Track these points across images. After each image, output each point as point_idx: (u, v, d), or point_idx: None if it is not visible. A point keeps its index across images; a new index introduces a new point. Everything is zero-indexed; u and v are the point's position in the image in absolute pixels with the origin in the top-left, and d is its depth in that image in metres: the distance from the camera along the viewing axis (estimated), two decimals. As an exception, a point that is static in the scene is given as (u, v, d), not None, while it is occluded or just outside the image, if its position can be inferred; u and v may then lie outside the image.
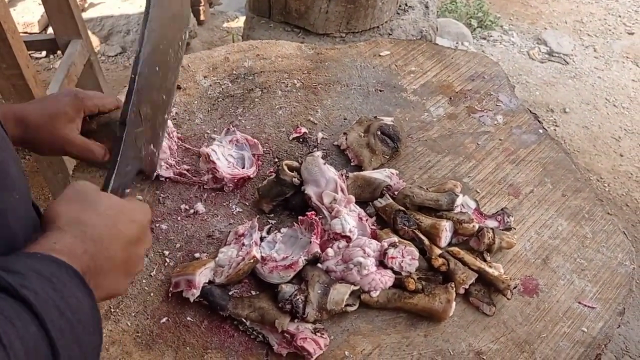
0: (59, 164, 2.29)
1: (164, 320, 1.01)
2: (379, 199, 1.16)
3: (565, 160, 1.35)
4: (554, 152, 1.36)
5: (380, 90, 1.49)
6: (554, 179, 1.30)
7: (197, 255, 1.11)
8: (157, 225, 1.16)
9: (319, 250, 1.05)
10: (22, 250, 0.61)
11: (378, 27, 2.35)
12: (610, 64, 3.86)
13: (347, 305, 1.00)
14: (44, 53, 3.58)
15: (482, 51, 3.87)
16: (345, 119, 1.41)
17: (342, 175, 1.19)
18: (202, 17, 3.90)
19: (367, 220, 1.13)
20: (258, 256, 1.03)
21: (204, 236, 1.15)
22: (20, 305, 0.52)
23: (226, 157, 1.24)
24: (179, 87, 1.45)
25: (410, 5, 2.49)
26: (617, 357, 2.27)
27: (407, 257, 1.04)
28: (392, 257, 1.04)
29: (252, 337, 0.99)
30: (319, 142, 1.34)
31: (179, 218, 1.18)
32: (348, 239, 1.08)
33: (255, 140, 1.28)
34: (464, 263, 1.07)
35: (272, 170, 1.26)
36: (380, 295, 1.03)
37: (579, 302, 1.08)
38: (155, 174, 1.20)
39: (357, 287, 1.01)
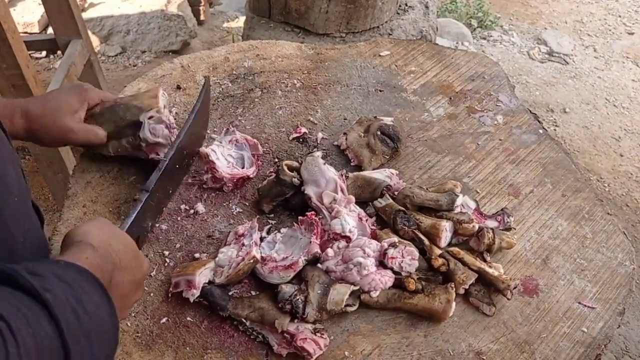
0: (58, 164, 2.29)
1: (163, 320, 1.01)
2: (379, 199, 1.16)
3: (565, 160, 1.35)
4: (554, 152, 1.36)
5: (380, 90, 1.49)
6: (554, 179, 1.30)
7: (197, 255, 1.11)
8: (157, 225, 1.16)
9: (318, 251, 1.05)
10: (53, 258, 0.64)
11: (378, 27, 2.35)
12: (610, 64, 3.86)
13: (347, 305, 1.00)
14: (44, 53, 3.58)
15: (482, 51, 3.87)
16: (345, 119, 1.41)
17: (342, 175, 1.19)
18: (202, 17, 3.90)
19: (367, 220, 1.13)
20: (258, 256, 1.03)
21: (203, 236, 1.15)
22: (38, 306, 0.53)
23: (226, 157, 1.24)
24: (178, 87, 1.45)
25: (410, 5, 2.49)
26: (617, 357, 2.27)
27: (407, 257, 1.04)
28: (392, 257, 1.04)
29: (252, 337, 0.99)
30: (319, 142, 1.34)
31: (178, 218, 1.17)
32: (348, 239, 1.08)
33: (255, 140, 1.28)
34: (464, 263, 1.07)
35: (272, 170, 1.26)
36: (380, 296, 1.02)
37: (579, 303, 1.08)
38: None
39: (357, 287, 1.01)
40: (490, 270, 1.06)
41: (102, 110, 1.19)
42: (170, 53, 3.63)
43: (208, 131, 1.35)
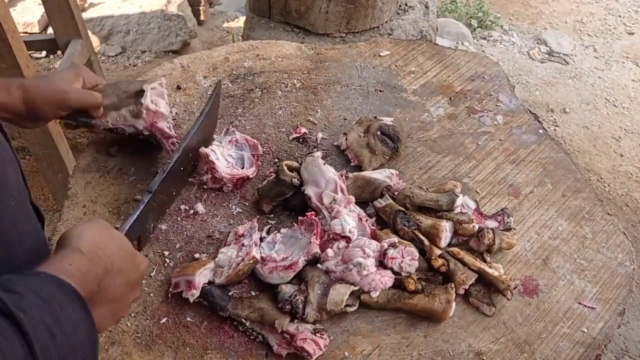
0: (58, 164, 2.29)
1: (163, 320, 1.01)
2: (379, 200, 1.16)
3: (565, 161, 1.35)
4: (554, 153, 1.36)
5: (380, 91, 1.49)
6: (554, 179, 1.30)
7: (196, 255, 1.11)
8: (157, 225, 1.16)
9: (318, 251, 1.05)
10: (37, 265, 0.63)
11: (378, 27, 2.35)
12: (610, 64, 3.86)
13: (346, 305, 1.00)
14: (44, 53, 3.58)
15: (482, 51, 3.87)
16: (345, 119, 1.41)
17: (342, 175, 1.19)
18: (202, 17, 3.90)
19: (367, 220, 1.13)
20: (258, 257, 1.03)
21: (203, 236, 1.15)
22: (12, 327, 0.52)
23: (225, 157, 1.24)
24: (178, 87, 1.45)
25: (410, 5, 2.49)
26: (617, 358, 2.27)
27: (407, 258, 1.04)
28: (392, 258, 1.04)
29: (251, 337, 0.99)
30: (318, 142, 1.34)
31: (178, 218, 1.17)
32: (348, 240, 1.08)
33: (255, 140, 1.28)
34: (464, 263, 1.07)
35: (271, 170, 1.26)
36: (380, 296, 1.02)
37: (579, 303, 1.08)
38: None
39: (356, 288, 1.01)
40: (490, 271, 1.06)
41: (103, 86, 1.18)
42: (170, 53, 3.63)
43: (208, 131, 1.35)
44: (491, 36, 4.06)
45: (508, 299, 1.05)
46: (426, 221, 1.11)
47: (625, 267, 1.15)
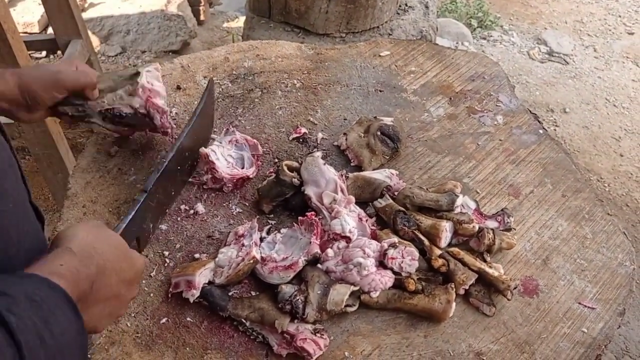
0: (58, 164, 2.29)
1: (163, 320, 1.01)
2: (379, 200, 1.16)
3: (565, 161, 1.35)
4: (554, 153, 1.36)
5: (380, 91, 1.49)
6: (554, 179, 1.30)
7: (196, 255, 1.11)
8: (158, 225, 1.16)
9: (318, 251, 1.05)
10: (30, 264, 0.63)
11: (378, 27, 2.35)
12: (610, 64, 3.86)
13: (346, 305, 1.00)
14: (44, 53, 3.57)
15: (482, 51, 3.87)
16: (345, 119, 1.41)
17: (342, 175, 1.19)
18: (202, 17, 3.89)
19: (367, 220, 1.13)
20: (258, 257, 1.03)
21: (203, 237, 1.15)
22: (1, 329, 0.52)
23: (225, 158, 1.24)
24: (178, 88, 1.45)
25: (410, 5, 2.49)
26: (617, 358, 2.27)
27: (407, 258, 1.04)
28: (392, 258, 1.04)
29: (252, 337, 0.99)
30: (318, 142, 1.34)
31: (178, 218, 1.17)
32: (348, 240, 1.08)
33: (255, 140, 1.28)
34: (464, 264, 1.07)
35: (271, 170, 1.26)
36: (380, 296, 1.02)
37: (579, 303, 1.08)
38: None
39: (357, 288, 1.01)
40: (490, 271, 1.06)
41: (98, 75, 1.18)
42: (170, 53, 3.63)
43: (208, 131, 1.35)
44: (491, 36, 4.06)
45: (508, 299, 1.05)
46: (426, 221, 1.11)
47: (625, 267, 1.14)
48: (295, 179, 1.16)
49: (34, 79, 1.04)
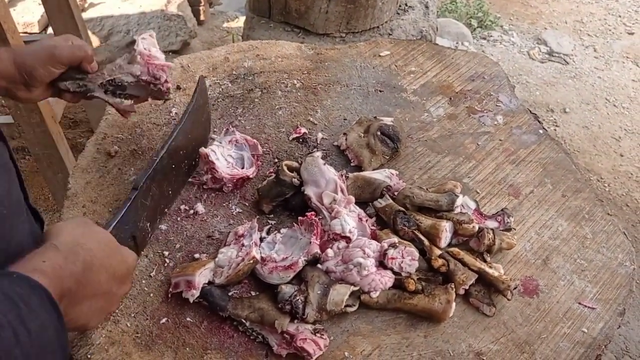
0: (58, 164, 2.29)
1: (163, 320, 1.01)
2: (379, 200, 1.16)
3: (565, 161, 1.35)
4: (554, 153, 1.36)
5: (380, 91, 1.49)
6: (554, 179, 1.30)
7: (196, 255, 1.11)
8: (158, 226, 1.15)
9: (318, 251, 1.05)
10: (14, 262, 0.62)
11: (378, 27, 2.35)
12: (610, 64, 3.86)
13: (346, 305, 1.00)
14: (43, 53, 3.57)
15: (482, 51, 3.87)
16: (345, 119, 1.41)
17: (341, 175, 1.19)
18: (202, 17, 3.89)
19: (367, 220, 1.13)
20: (258, 257, 1.03)
21: (203, 237, 1.15)
22: None
23: (225, 158, 1.24)
24: (178, 87, 1.45)
25: (410, 5, 2.49)
26: (617, 358, 2.27)
27: (407, 258, 1.04)
28: (392, 258, 1.04)
29: (251, 337, 0.99)
30: (318, 142, 1.34)
31: (178, 218, 1.17)
32: (348, 240, 1.07)
33: (255, 140, 1.28)
34: (464, 264, 1.07)
35: (271, 170, 1.26)
36: (380, 296, 1.02)
37: (579, 303, 1.08)
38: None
39: (356, 288, 1.01)
40: (490, 271, 1.06)
41: (95, 48, 1.16)
42: (170, 53, 3.62)
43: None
44: (491, 36, 4.06)
45: (508, 299, 1.05)
46: (426, 221, 1.11)
47: (626, 267, 1.14)
48: (295, 179, 1.16)
49: (29, 55, 1.02)
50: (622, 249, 1.18)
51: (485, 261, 1.09)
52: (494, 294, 1.06)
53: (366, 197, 1.18)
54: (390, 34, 2.34)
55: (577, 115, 3.43)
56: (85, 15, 3.48)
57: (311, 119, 1.40)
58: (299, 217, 1.12)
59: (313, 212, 1.12)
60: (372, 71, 1.54)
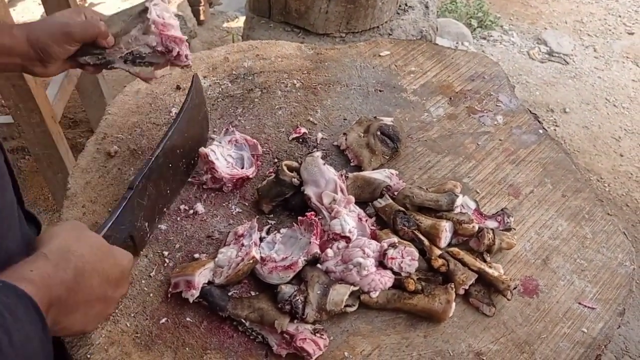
0: (58, 164, 2.29)
1: (163, 320, 1.01)
2: (379, 200, 1.16)
3: (565, 161, 1.35)
4: (554, 153, 1.36)
5: (380, 91, 1.48)
6: (554, 179, 1.30)
7: (196, 255, 1.11)
8: (157, 225, 1.15)
9: (318, 251, 1.05)
10: (2, 270, 0.62)
11: (378, 27, 2.34)
12: (610, 64, 3.86)
13: (346, 305, 1.00)
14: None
15: (482, 51, 3.87)
16: (345, 119, 1.40)
17: (341, 175, 1.18)
18: (202, 17, 3.89)
19: (366, 220, 1.13)
20: (257, 257, 1.03)
21: (203, 237, 1.15)
22: None
23: (225, 157, 1.24)
24: (178, 87, 1.45)
25: (410, 5, 2.49)
26: (617, 358, 2.27)
27: (406, 258, 1.04)
28: (392, 258, 1.04)
29: (251, 337, 0.99)
30: (318, 142, 1.34)
31: (178, 218, 1.17)
32: (348, 240, 1.07)
33: (255, 140, 1.28)
34: (464, 264, 1.07)
35: (271, 170, 1.26)
36: (380, 296, 1.02)
37: (579, 303, 1.08)
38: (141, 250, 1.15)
39: (356, 288, 1.01)
40: (490, 271, 1.06)
41: (107, 18, 1.14)
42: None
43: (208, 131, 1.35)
44: (491, 36, 4.06)
45: (508, 299, 1.05)
46: (426, 221, 1.11)
47: (625, 267, 1.14)
48: (295, 179, 1.16)
49: (43, 32, 1.01)
50: (622, 249, 1.18)
51: (485, 261, 1.09)
52: (494, 294, 1.06)
53: (366, 197, 1.18)
54: (390, 34, 2.34)
55: (577, 115, 3.43)
56: (85, 15, 3.48)
57: (311, 119, 1.40)
58: (299, 217, 1.12)
59: (313, 212, 1.12)
60: (372, 71, 1.54)
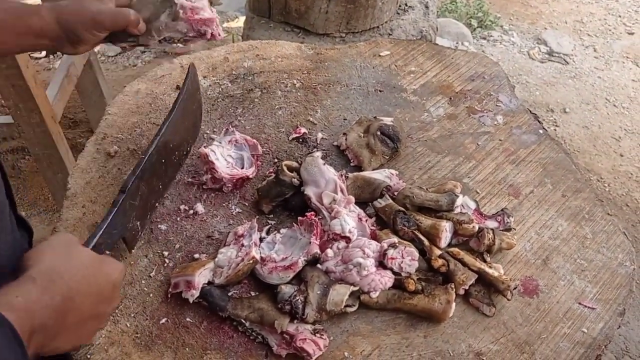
0: (58, 164, 2.29)
1: (163, 321, 1.01)
2: (379, 200, 1.16)
3: (565, 161, 1.35)
4: (554, 153, 1.36)
5: (380, 91, 1.48)
6: (554, 179, 1.30)
7: (196, 255, 1.11)
8: (157, 225, 1.15)
9: (318, 251, 1.05)
10: None
11: (378, 27, 2.34)
12: (610, 64, 3.86)
13: (346, 306, 1.00)
14: (43, 53, 3.57)
15: (482, 51, 3.87)
16: (345, 119, 1.40)
17: (341, 175, 1.18)
18: (202, 17, 3.89)
19: (366, 220, 1.13)
20: (257, 257, 1.03)
21: (203, 237, 1.15)
22: None
23: (225, 158, 1.24)
24: (178, 87, 1.45)
25: (410, 5, 2.49)
26: (617, 358, 2.27)
27: (406, 258, 1.04)
28: (392, 258, 1.04)
29: (251, 338, 0.99)
30: (318, 142, 1.34)
31: (178, 219, 1.17)
32: (348, 240, 1.07)
33: (255, 140, 1.28)
34: (464, 264, 1.07)
35: (271, 170, 1.26)
36: (380, 296, 1.02)
37: (579, 303, 1.08)
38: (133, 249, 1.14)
39: (356, 288, 1.01)
40: (490, 271, 1.06)
41: (136, 1, 1.12)
42: (170, 53, 3.62)
43: (208, 131, 1.35)
44: (491, 36, 4.06)
45: (508, 300, 1.05)
46: (426, 221, 1.11)
47: (626, 267, 1.14)
48: (295, 179, 1.16)
49: (73, 16, 0.99)
50: (622, 249, 1.18)
51: (485, 261, 1.09)
52: (494, 294, 1.06)
53: (366, 197, 1.18)
54: (390, 34, 2.34)
55: (577, 115, 3.43)
56: (85, 15, 3.48)
57: (311, 119, 1.40)
58: (299, 217, 1.12)
59: (313, 212, 1.12)
60: (372, 71, 1.54)
